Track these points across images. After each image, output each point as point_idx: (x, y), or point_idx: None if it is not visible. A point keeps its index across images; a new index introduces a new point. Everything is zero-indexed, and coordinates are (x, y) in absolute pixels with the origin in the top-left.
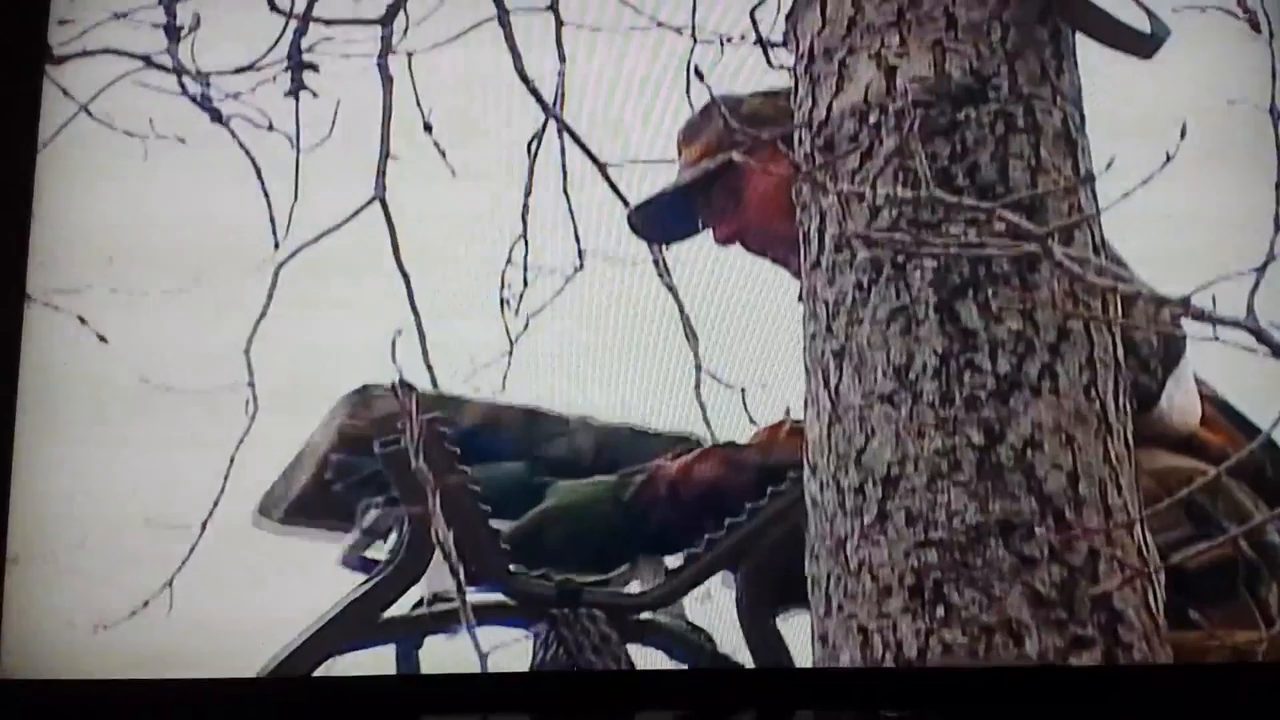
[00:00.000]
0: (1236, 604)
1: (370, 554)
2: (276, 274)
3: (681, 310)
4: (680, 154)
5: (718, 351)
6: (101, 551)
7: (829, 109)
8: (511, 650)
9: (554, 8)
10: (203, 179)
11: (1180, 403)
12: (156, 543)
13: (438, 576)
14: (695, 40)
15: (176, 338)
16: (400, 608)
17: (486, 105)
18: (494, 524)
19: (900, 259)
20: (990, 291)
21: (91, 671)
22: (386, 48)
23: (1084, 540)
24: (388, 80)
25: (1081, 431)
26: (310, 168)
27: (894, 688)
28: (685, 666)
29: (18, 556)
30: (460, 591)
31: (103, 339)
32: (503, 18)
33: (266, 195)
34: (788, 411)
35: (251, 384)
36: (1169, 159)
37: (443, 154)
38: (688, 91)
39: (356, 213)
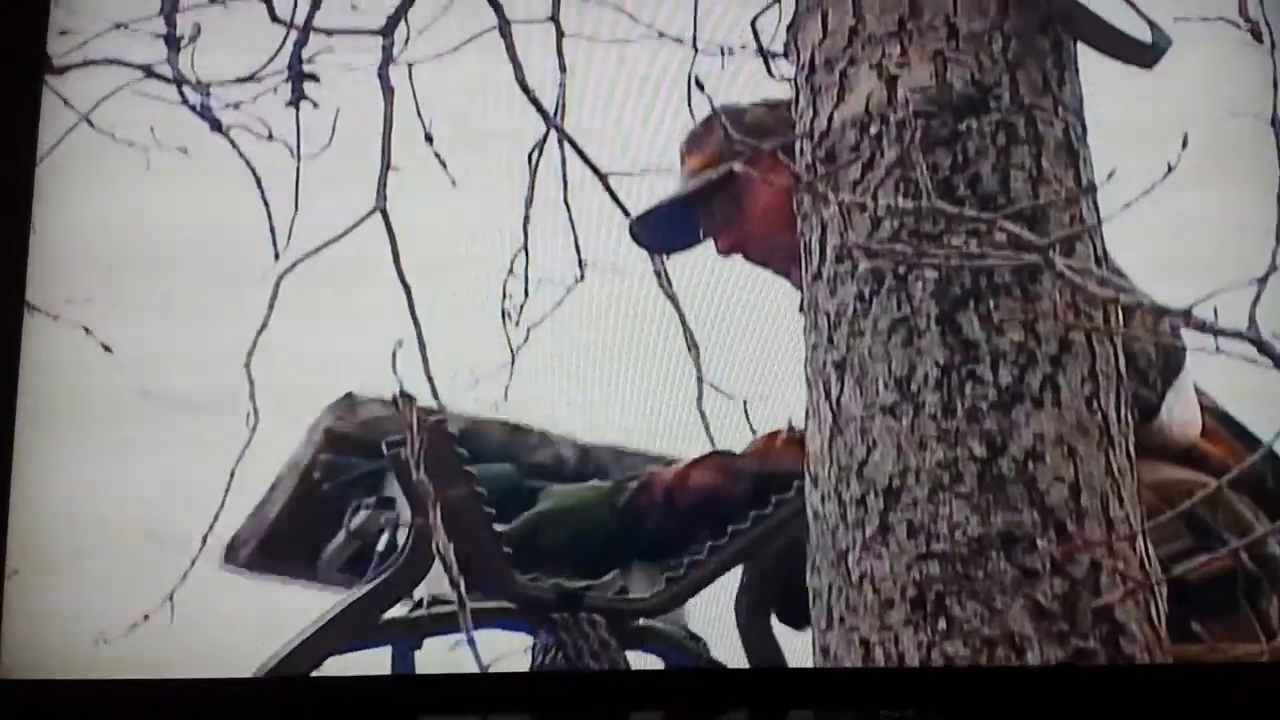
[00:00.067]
0: (1237, 616)
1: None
2: (277, 285)
3: (683, 320)
4: (683, 164)
5: (719, 362)
6: (102, 565)
7: (830, 119)
8: (511, 658)
9: (555, 18)
10: (203, 189)
11: (1180, 414)
12: (157, 556)
13: (437, 578)
14: (696, 50)
15: (177, 349)
16: (399, 608)
17: (487, 116)
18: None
19: (902, 270)
20: (992, 303)
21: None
22: (387, 58)
23: (1086, 553)
24: (388, 91)
25: (1083, 443)
26: (311, 178)
27: (894, 688)
28: None
29: (18, 569)
30: (462, 605)
31: (107, 349)
32: (503, 28)
33: (267, 206)
34: (790, 422)
35: (252, 396)
36: (1170, 170)
37: (443, 164)
38: (689, 102)
39: (358, 223)
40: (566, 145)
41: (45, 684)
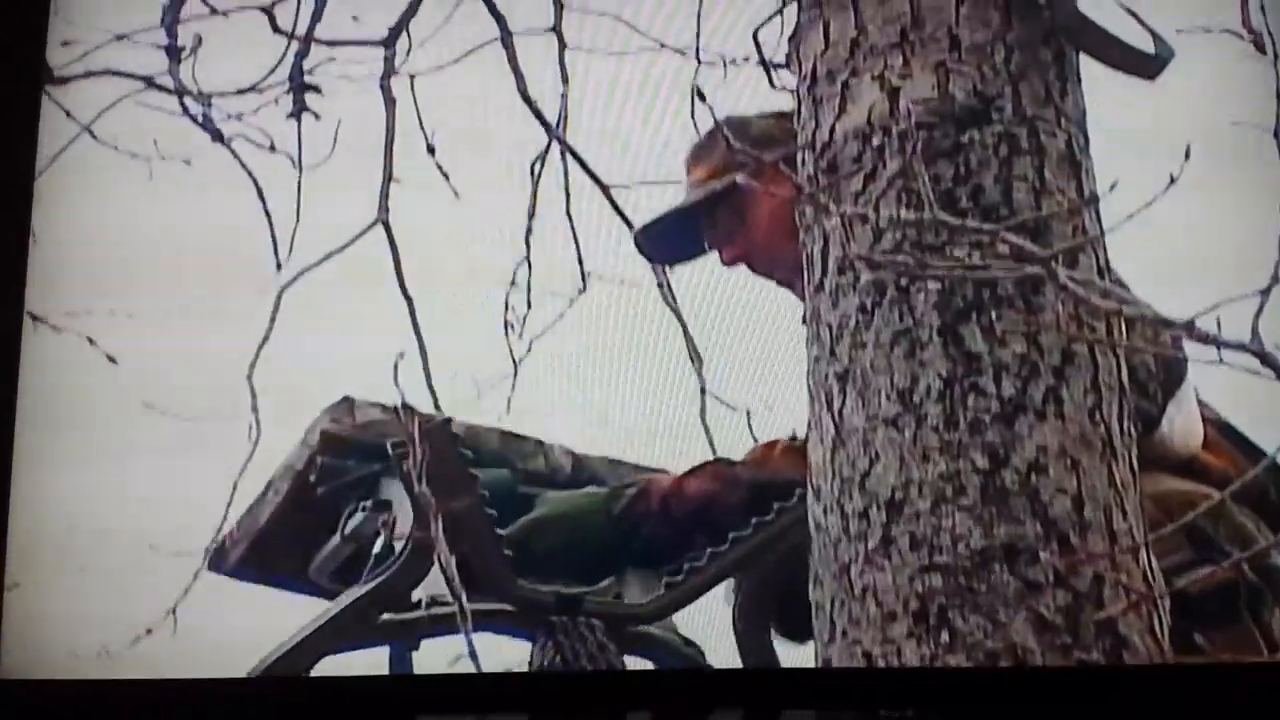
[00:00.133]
0: (1239, 628)
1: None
2: (279, 296)
3: (686, 332)
4: (688, 175)
5: (722, 373)
6: (104, 577)
7: (832, 131)
8: (510, 661)
9: (557, 29)
10: (205, 200)
11: (1182, 426)
12: (160, 568)
13: (435, 579)
14: (700, 61)
15: (178, 360)
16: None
17: (489, 127)
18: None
19: (904, 282)
20: (994, 314)
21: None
22: (389, 69)
23: (1089, 565)
24: (390, 102)
25: (1086, 455)
26: (313, 189)
27: (894, 688)
28: None
29: (18, 582)
30: (464, 617)
31: (112, 360)
32: (505, 39)
33: (269, 217)
34: (794, 432)
35: (254, 408)
36: (1173, 181)
37: (446, 176)
38: (692, 114)
39: (360, 235)
40: (569, 156)
41: (45, 684)
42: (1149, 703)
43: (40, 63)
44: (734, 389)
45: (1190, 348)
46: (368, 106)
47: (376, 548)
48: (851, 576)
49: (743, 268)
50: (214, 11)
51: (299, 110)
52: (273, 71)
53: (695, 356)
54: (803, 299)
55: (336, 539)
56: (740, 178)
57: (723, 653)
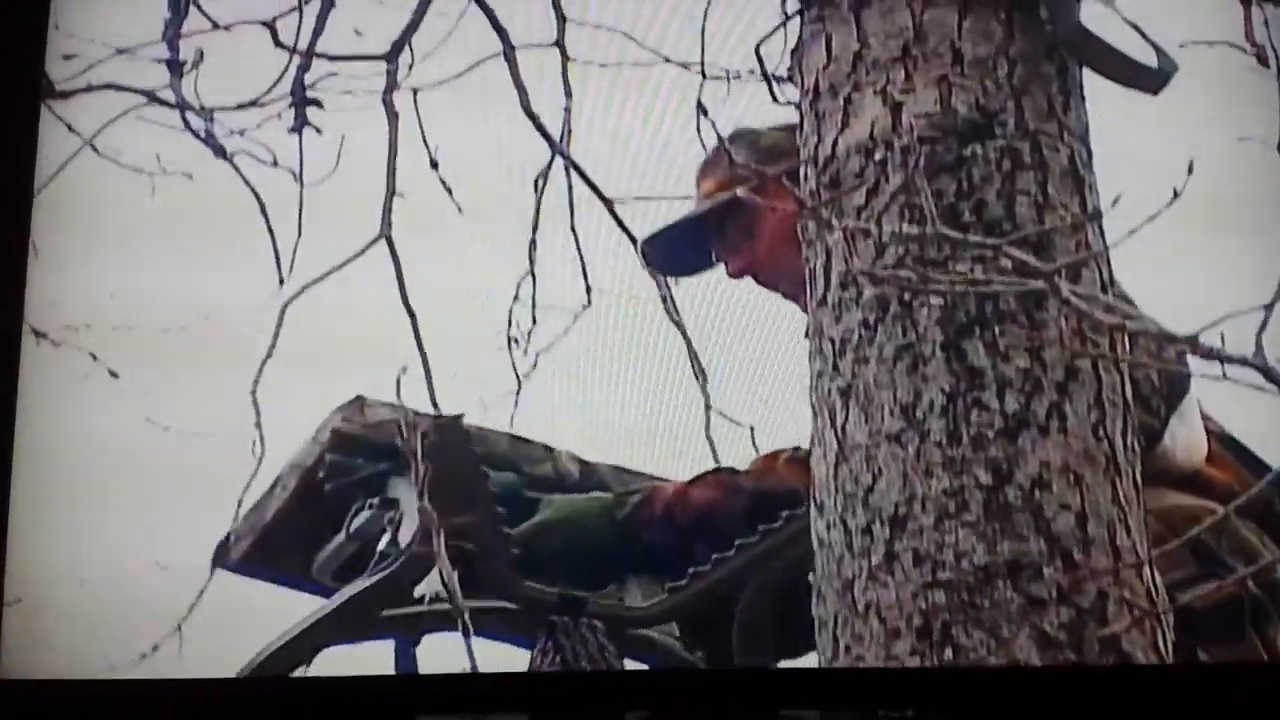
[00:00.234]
0: (1244, 644)
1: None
2: (283, 312)
3: (690, 347)
4: (698, 188)
5: (727, 389)
6: (108, 594)
7: (834, 145)
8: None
9: (560, 43)
10: (207, 214)
11: (1185, 440)
12: (163, 586)
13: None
14: (704, 76)
15: (180, 376)
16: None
17: (492, 141)
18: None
19: (907, 296)
20: (997, 329)
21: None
22: (391, 84)
23: (1092, 581)
24: (393, 117)
25: (1090, 471)
26: (315, 204)
27: (894, 688)
28: None
29: (20, 597)
30: (466, 634)
31: (114, 374)
32: (508, 53)
33: (271, 233)
34: (798, 445)
35: (258, 424)
36: (1176, 195)
37: (449, 191)
38: (697, 128)
39: (363, 250)
40: (572, 171)
41: (45, 684)
42: (1149, 703)
43: (41, 76)
44: (738, 403)
45: (1194, 363)
46: (370, 121)
47: (381, 545)
48: (855, 593)
49: (748, 280)
50: (216, 26)
51: (300, 125)
52: (274, 86)
53: (700, 372)
54: (807, 311)
55: (341, 537)
56: (742, 192)
57: (722, 660)
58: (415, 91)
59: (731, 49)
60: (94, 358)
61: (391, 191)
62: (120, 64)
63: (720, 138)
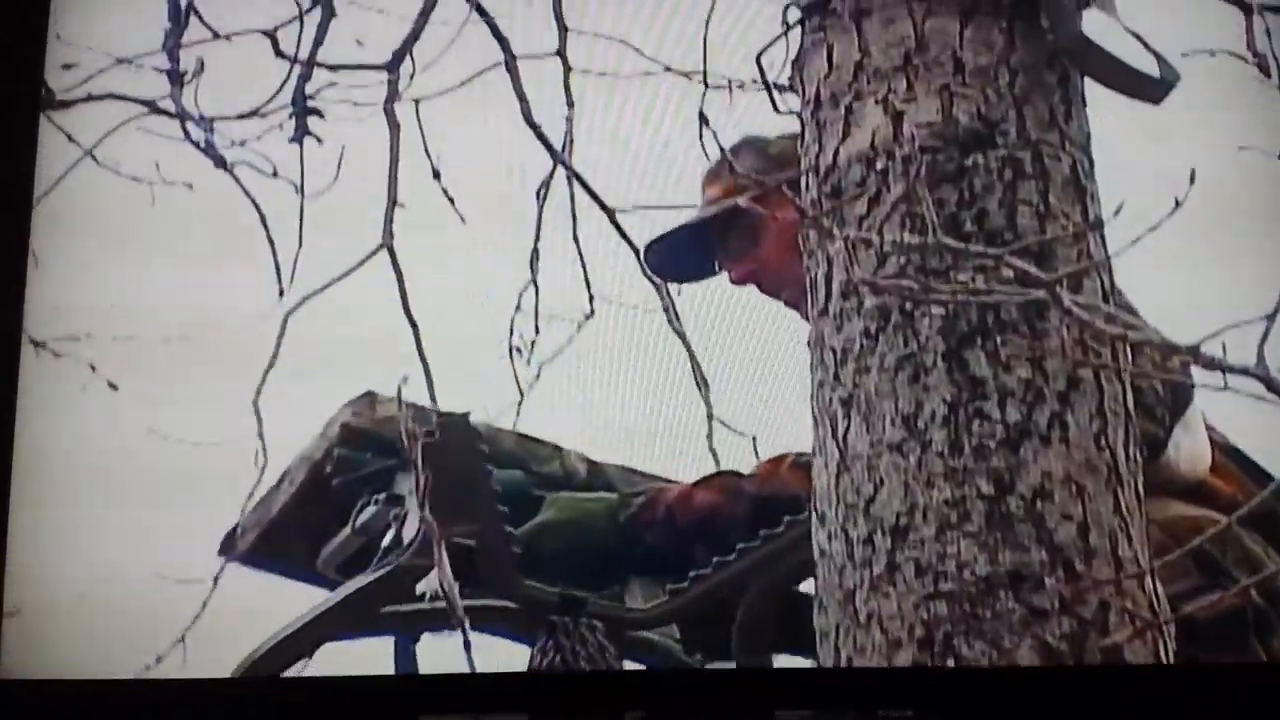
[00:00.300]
0: (1247, 654)
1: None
2: (285, 322)
3: (692, 357)
4: (703, 193)
5: (729, 398)
6: (105, 606)
7: (836, 154)
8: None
9: (561, 53)
10: (207, 225)
11: (1189, 450)
12: (164, 597)
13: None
14: (706, 85)
15: (180, 386)
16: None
17: (494, 151)
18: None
19: (908, 306)
20: (999, 339)
21: None
22: (393, 93)
23: (1094, 592)
24: (394, 126)
25: (1092, 481)
26: (316, 214)
27: (894, 688)
28: None
29: (19, 609)
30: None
31: (113, 386)
32: (510, 63)
33: (271, 242)
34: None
35: (261, 434)
36: (1178, 205)
37: (451, 201)
38: (700, 138)
39: (364, 260)
40: (574, 181)
41: (45, 684)
42: (1149, 703)
43: (41, 86)
44: (741, 413)
45: (1196, 373)
46: (371, 131)
47: (386, 541)
48: (856, 603)
49: (749, 290)
50: (216, 35)
51: (301, 134)
52: (275, 96)
53: (702, 382)
54: (809, 320)
55: (347, 531)
56: (743, 201)
57: (722, 662)
58: (417, 101)
59: (731, 57)
60: (93, 369)
61: (393, 201)
62: (121, 73)
63: (722, 148)
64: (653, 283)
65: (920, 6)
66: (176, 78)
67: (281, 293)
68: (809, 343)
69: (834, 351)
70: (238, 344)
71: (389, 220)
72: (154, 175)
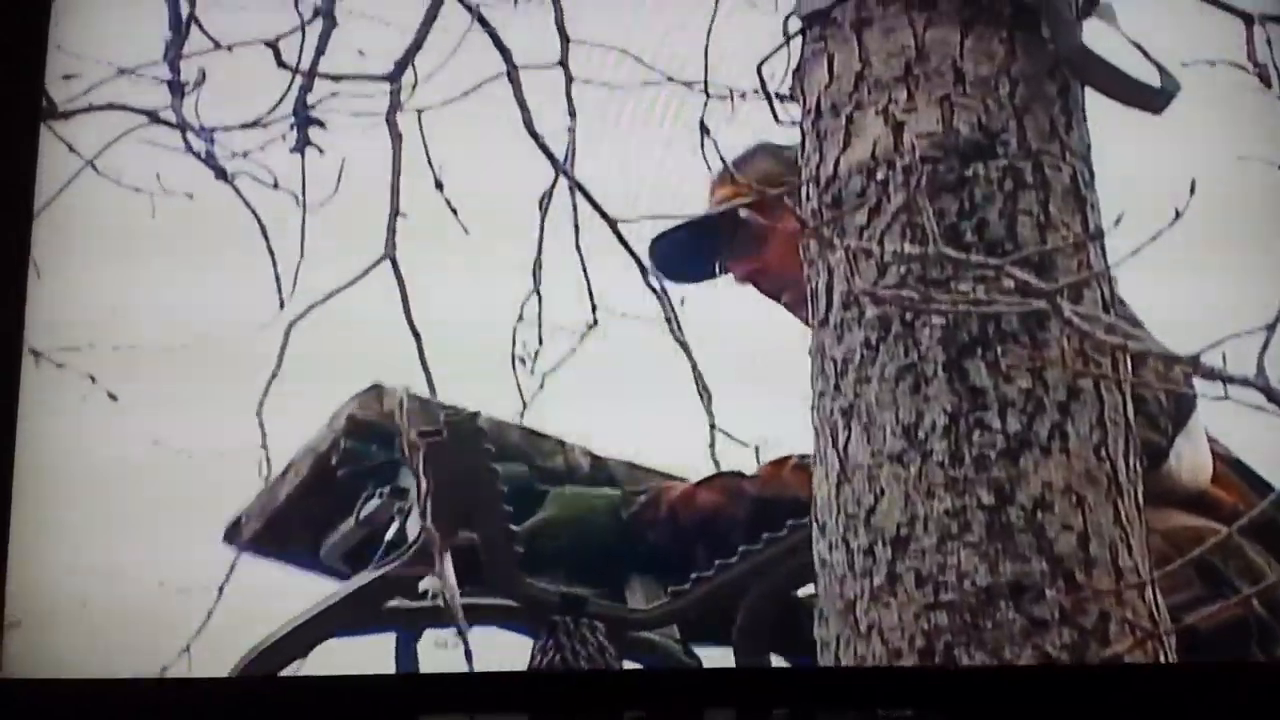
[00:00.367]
0: None
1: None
2: (288, 333)
3: (694, 366)
4: (711, 194)
5: (731, 407)
6: (107, 616)
7: (836, 165)
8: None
9: (564, 63)
10: (209, 235)
11: (1190, 460)
12: (166, 606)
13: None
14: (708, 95)
15: (181, 396)
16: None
17: (496, 161)
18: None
19: (909, 316)
20: (999, 349)
21: None
22: (395, 104)
23: (1095, 602)
24: (396, 137)
25: (1092, 492)
26: (318, 224)
27: (894, 688)
28: None
29: (20, 620)
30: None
31: (113, 397)
32: (512, 74)
33: (271, 253)
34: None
35: (264, 445)
36: (1178, 215)
37: (454, 211)
38: (701, 148)
39: (367, 271)
40: (577, 191)
41: (45, 684)
42: (1149, 703)
43: (42, 96)
44: (743, 422)
45: (1198, 383)
46: (373, 141)
47: (389, 534)
48: (857, 613)
49: (752, 298)
50: (218, 46)
51: (303, 145)
52: (277, 106)
53: (704, 391)
54: (808, 324)
55: (351, 522)
56: (744, 212)
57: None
58: (419, 112)
59: (732, 67)
60: (93, 379)
61: (395, 211)
62: (121, 84)
63: (723, 158)
64: (655, 293)
65: (921, 17)
66: (178, 88)
67: (282, 304)
68: (810, 352)
69: (835, 362)
70: (238, 355)
71: (391, 231)
72: (155, 186)
